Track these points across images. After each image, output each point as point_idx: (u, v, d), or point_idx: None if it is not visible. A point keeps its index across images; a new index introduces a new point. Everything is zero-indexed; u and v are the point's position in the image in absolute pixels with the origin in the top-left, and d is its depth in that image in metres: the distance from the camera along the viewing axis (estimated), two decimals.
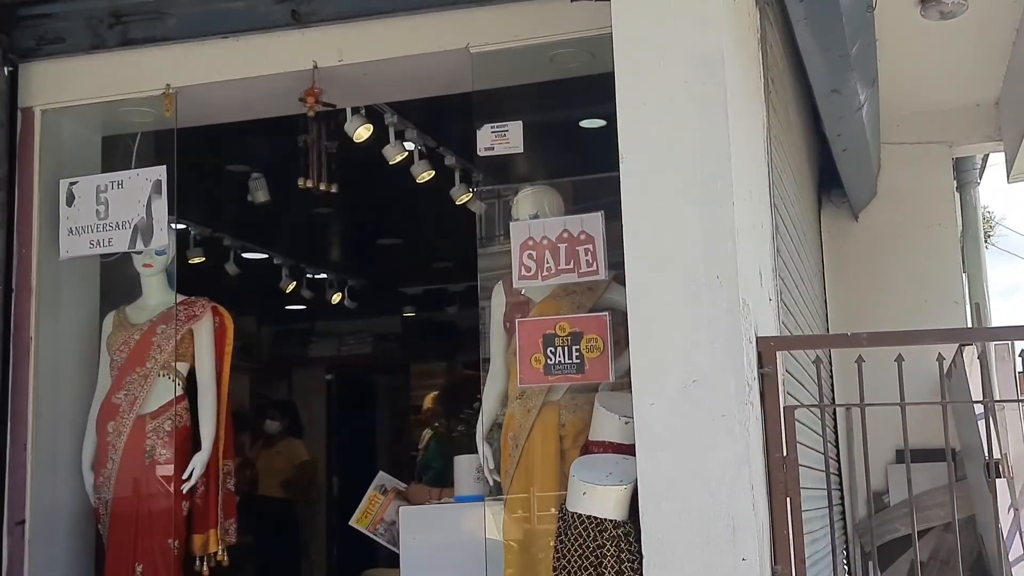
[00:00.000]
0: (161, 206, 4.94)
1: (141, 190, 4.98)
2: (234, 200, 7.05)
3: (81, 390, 5.18)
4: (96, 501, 5.03)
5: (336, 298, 9.13)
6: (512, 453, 4.63)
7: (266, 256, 8.31)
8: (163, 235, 4.92)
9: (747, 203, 3.92)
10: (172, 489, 4.93)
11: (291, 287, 8.55)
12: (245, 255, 8.09)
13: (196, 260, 7.66)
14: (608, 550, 3.54)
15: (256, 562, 8.71)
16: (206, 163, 6.62)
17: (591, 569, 3.56)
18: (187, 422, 5.07)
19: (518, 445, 4.60)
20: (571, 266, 4.52)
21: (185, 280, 8.38)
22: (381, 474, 5.92)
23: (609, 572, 3.53)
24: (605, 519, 3.59)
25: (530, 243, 4.58)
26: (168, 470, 4.94)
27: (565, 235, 4.55)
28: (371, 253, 8.52)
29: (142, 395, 5.01)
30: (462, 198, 6.56)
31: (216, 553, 5.09)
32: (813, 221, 7.04)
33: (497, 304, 4.94)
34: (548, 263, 4.54)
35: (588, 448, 4.07)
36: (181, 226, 7.55)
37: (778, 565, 3.70)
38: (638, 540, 3.56)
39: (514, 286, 4.63)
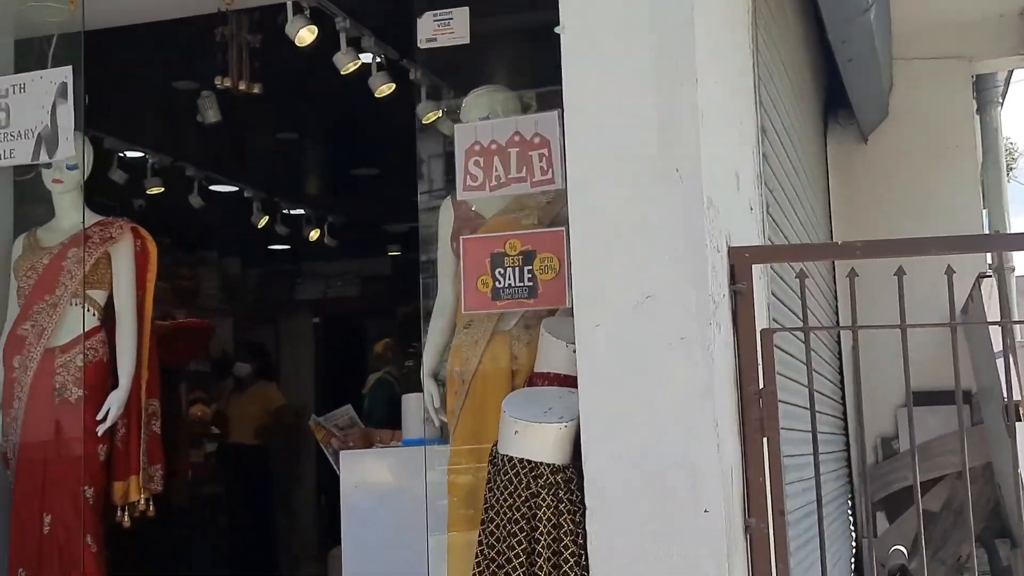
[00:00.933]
0: (66, 112, 4.29)
1: (45, 94, 4.33)
2: (191, 125, 6.41)
3: None
4: (3, 444, 4.43)
5: (314, 235, 8.48)
6: (458, 390, 3.98)
7: (235, 189, 7.67)
8: (68, 146, 4.27)
9: (719, 90, 3.23)
10: (85, 431, 4.32)
11: (263, 222, 7.90)
12: (212, 187, 7.46)
13: (155, 190, 7.03)
14: (544, 499, 2.90)
15: (228, 513, 8.16)
16: (153, 79, 5.98)
17: (522, 522, 2.92)
18: (104, 357, 4.44)
19: (464, 381, 3.96)
20: (523, 174, 3.85)
21: (146, 214, 7.87)
22: (349, 407, 5.34)
23: (544, 525, 2.88)
24: (540, 463, 2.94)
25: (476, 148, 3.90)
26: (80, 410, 4.32)
27: (516, 139, 3.87)
28: (347, 185, 7.85)
29: (50, 326, 4.38)
30: (429, 116, 5.87)
31: (138, 502, 4.49)
32: (816, 142, 6.33)
33: (444, 221, 4.29)
34: (497, 171, 3.87)
35: (532, 382, 3.42)
36: (137, 153, 6.93)
37: (752, 518, 3.06)
38: (580, 488, 2.92)
39: (458, 197, 3.97)
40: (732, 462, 2.98)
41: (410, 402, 4.35)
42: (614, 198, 2.97)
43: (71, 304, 4.41)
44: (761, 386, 3.10)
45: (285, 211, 8.17)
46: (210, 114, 6.03)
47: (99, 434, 4.34)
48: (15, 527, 4.34)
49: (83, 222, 4.41)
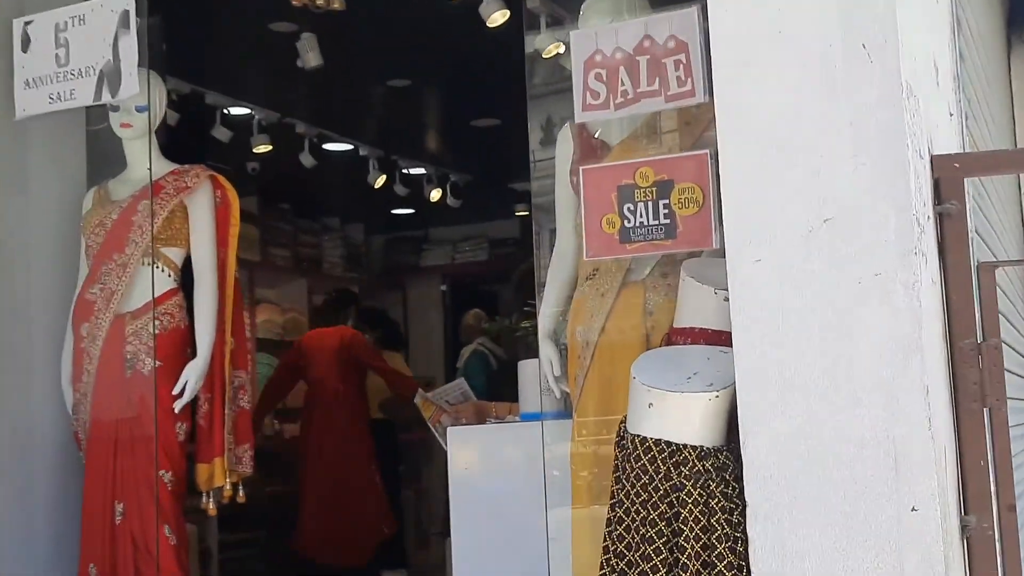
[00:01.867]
0: (129, 45, 3.66)
1: (106, 26, 3.72)
2: (294, 73, 5.81)
3: (59, 286, 4.02)
4: (74, 424, 3.88)
5: (435, 195, 7.82)
6: (582, 354, 3.24)
7: (348, 146, 7.05)
8: (132, 82, 3.65)
9: None
10: (160, 408, 3.73)
11: (380, 181, 7.26)
12: (324, 146, 6.85)
13: (262, 148, 6.44)
14: (689, 493, 2.14)
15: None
16: (248, 22, 5.36)
17: (661, 524, 2.15)
18: (181, 323, 3.84)
19: (589, 343, 3.21)
20: (655, 87, 3.07)
21: (260, 176, 7.34)
22: (462, 381, 4.66)
23: (690, 527, 2.12)
24: (684, 446, 2.18)
25: (598, 58, 3.14)
26: (155, 383, 3.73)
27: (647, 44, 3.09)
28: (468, 139, 7.15)
29: (120, 288, 3.79)
30: (549, 50, 5.12)
31: (224, 487, 3.88)
32: (1000, 60, 5.35)
33: (562, 153, 3.53)
34: (623, 85, 3.09)
35: (671, 340, 2.64)
36: (244, 110, 6.35)
37: (970, 515, 2.24)
38: (738, 479, 2.16)
39: (576, 120, 3.22)
40: (945, 441, 2.17)
41: (526, 370, 3.63)
42: (777, 91, 2.18)
43: (143, 263, 3.81)
44: (980, 339, 2.28)
45: (404, 170, 7.52)
46: (311, 57, 5.39)
47: (176, 411, 3.74)
48: (86, 517, 3.77)
49: (150, 169, 3.79)
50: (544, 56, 5.23)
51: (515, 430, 3.54)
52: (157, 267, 3.83)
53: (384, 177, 7.32)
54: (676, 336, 2.58)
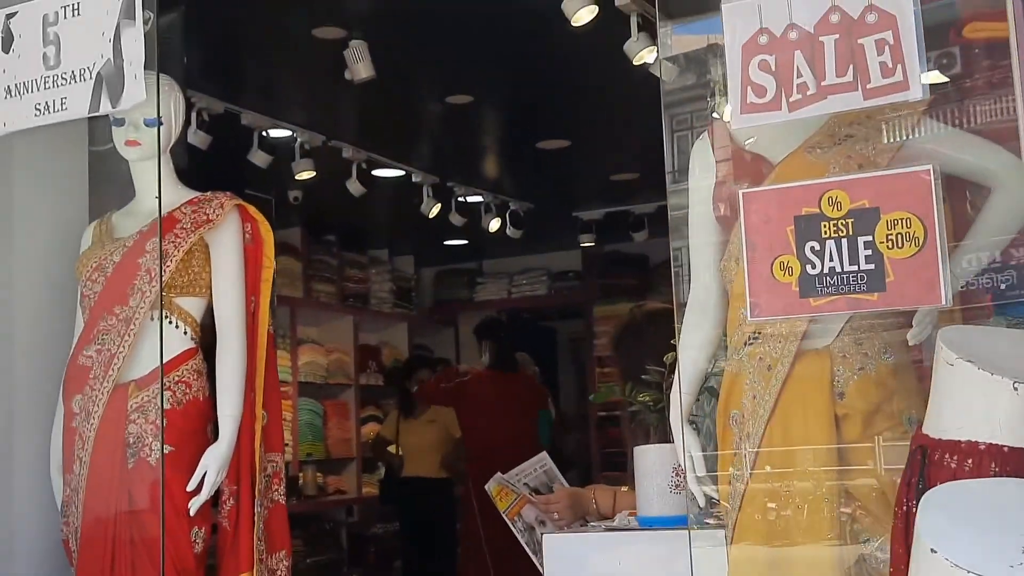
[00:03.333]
0: (134, 41, 2.76)
1: (106, 16, 2.83)
2: (341, 90, 4.93)
3: (51, 348, 3.11)
4: (64, 529, 2.96)
5: (495, 225, 6.90)
6: (739, 446, 2.29)
7: (400, 172, 6.15)
8: (138, 89, 2.74)
9: None
10: (173, 509, 2.81)
11: (435, 210, 6.35)
12: (373, 172, 5.95)
13: (305, 175, 5.54)
14: None
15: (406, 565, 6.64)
16: (288, 27, 4.47)
17: None
18: (200, 394, 2.92)
19: (750, 436, 2.26)
20: (849, 78, 2.12)
21: (298, 207, 6.42)
22: (545, 456, 3.68)
23: None
24: None
25: (762, 40, 2.20)
26: (163, 474, 2.81)
27: (835, 19, 2.15)
28: (532, 162, 6.22)
29: (122, 351, 2.86)
30: (641, 55, 4.19)
31: None
32: None
33: (701, 168, 2.57)
34: (801, 77, 2.15)
35: (931, 456, 1.66)
36: (284, 132, 5.46)
37: None
38: None
39: (733, 127, 2.28)
40: None
41: (646, 458, 2.67)
42: None
43: (151, 318, 2.90)
44: None
45: (460, 198, 6.60)
46: (360, 68, 4.48)
47: (192, 512, 2.82)
48: None
49: (159, 197, 2.87)
50: (634, 63, 4.33)
51: (636, 543, 2.58)
52: (169, 322, 2.91)
53: (439, 206, 6.40)
54: (940, 451, 1.62)
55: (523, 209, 7.08)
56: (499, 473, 3.37)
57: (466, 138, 5.91)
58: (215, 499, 2.89)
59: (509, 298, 8.51)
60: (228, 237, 2.98)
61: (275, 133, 5.42)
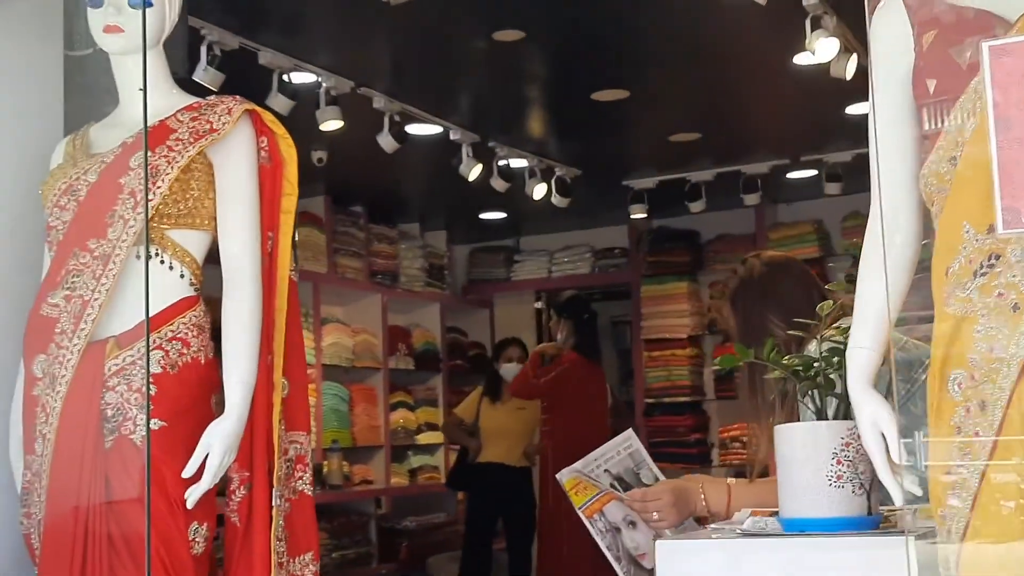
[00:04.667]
0: None
1: None
2: (373, 25, 4.22)
3: (14, 294, 2.41)
4: (24, 522, 2.25)
5: (540, 192, 6.17)
6: (962, 424, 1.56)
7: (438, 129, 5.43)
8: None
9: None
10: (165, 500, 2.10)
11: (475, 171, 5.63)
12: (407, 128, 5.23)
13: (331, 125, 4.82)
14: None
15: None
16: None
17: None
18: (201, 354, 2.22)
19: (987, 402, 1.52)
20: None
21: (323, 171, 5.71)
22: (631, 435, 2.86)
23: None
24: None
25: None
26: (154, 460, 2.10)
27: None
28: (584, 116, 5.47)
29: (98, 297, 2.17)
30: None
31: None
32: None
33: (890, 45, 1.75)
34: None
35: None
36: (308, 77, 4.74)
37: None
38: None
39: None
40: None
41: (796, 441, 1.93)
42: None
43: (136, 256, 2.19)
44: None
45: (502, 160, 5.87)
46: None
47: (189, 505, 2.11)
48: None
49: (144, 88, 2.15)
50: None
51: (784, 551, 1.85)
52: (161, 261, 2.21)
53: (480, 167, 5.67)
54: None
55: (570, 176, 6.33)
56: (576, 467, 2.63)
57: (513, 85, 5.17)
58: (222, 488, 2.18)
59: (549, 277, 7.78)
60: (238, 153, 2.27)
61: (297, 77, 4.70)
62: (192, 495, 2.10)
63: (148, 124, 2.17)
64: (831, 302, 1.98)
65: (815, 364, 1.94)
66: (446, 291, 7.63)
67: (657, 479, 2.63)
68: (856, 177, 6.21)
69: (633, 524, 2.49)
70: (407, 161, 5.56)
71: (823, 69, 4.43)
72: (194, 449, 2.12)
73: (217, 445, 2.11)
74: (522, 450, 6.13)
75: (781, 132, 5.91)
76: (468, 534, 6.06)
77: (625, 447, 2.74)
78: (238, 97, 2.32)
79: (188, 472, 2.10)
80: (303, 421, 2.35)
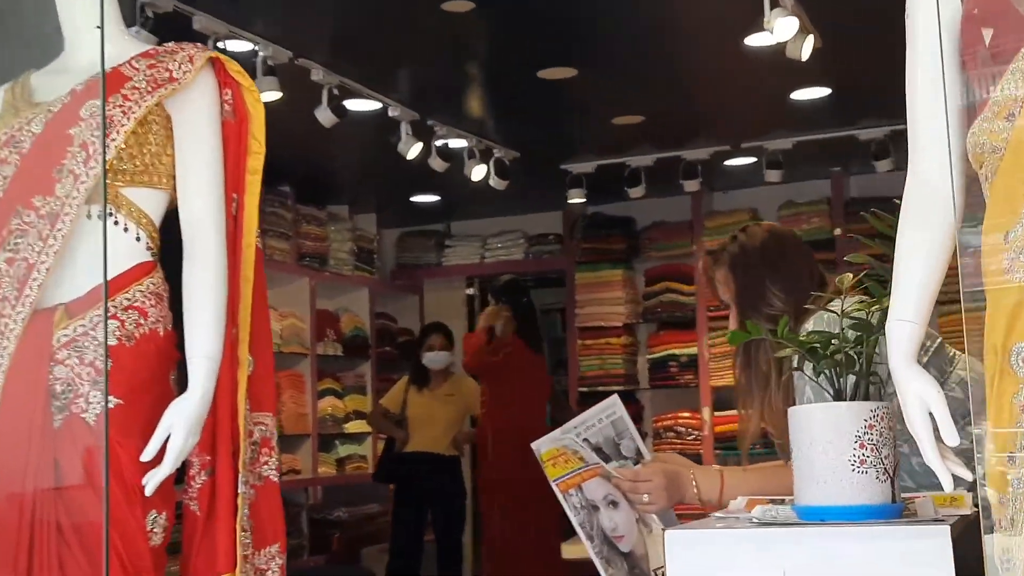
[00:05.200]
0: None
1: None
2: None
3: None
4: None
5: (479, 173, 5.99)
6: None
7: (377, 105, 5.22)
8: None
9: None
10: (121, 486, 1.89)
11: (415, 151, 5.44)
12: (345, 102, 5.00)
13: (270, 96, 4.57)
14: None
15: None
16: None
17: None
18: (159, 325, 2.01)
19: None
20: None
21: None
22: (615, 401, 2.60)
23: None
24: None
25: None
26: (109, 441, 1.88)
27: None
28: (529, 96, 5.30)
29: (45, 260, 1.95)
30: None
31: None
32: None
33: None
34: None
35: None
36: (244, 45, 4.49)
37: None
38: None
39: None
40: None
41: (815, 422, 1.79)
42: None
43: (87, 215, 1.97)
44: None
45: (440, 140, 5.68)
46: None
47: (148, 492, 1.90)
48: None
49: (101, 26, 1.93)
50: None
51: (806, 541, 1.71)
52: (115, 222, 1.99)
53: (420, 145, 5.48)
54: None
55: (509, 158, 6.17)
56: (555, 431, 2.45)
57: (458, 61, 4.98)
58: (180, 473, 1.98)
59: (481, 263, 7.61)
60: (200, 105, 2.07)
61: (233, 45, 4.45)
62: (151, 481, 1.89)
63: (105, 71, 1.95)
64: (851, 275, 1.85)
65: (833, 341, 1.80)
66: (375, 276, 7.42)
67: (639, 451, 2.48)
68: (795, 165, 6.17)
69: (614, 504, 2.34)
70: (340, 139, 5.36)
71: (774, 52, 4.33)
72: (152, 430, 1.91)
73: (179, 426, 1.91)
74: (451, 439, 5.96)
75: (725, 117, 5.82)
76: (396, 526, 5.88)
77: (608, 415, 2.55)
78: (199, 44, 2.11)
79: (147, 455, 1.89)
80: (269, 401, 2.15)
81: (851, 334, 1.83)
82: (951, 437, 1.52)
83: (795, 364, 1.97)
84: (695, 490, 2.29)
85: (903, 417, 1.56)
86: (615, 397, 2.53)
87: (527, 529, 5.34)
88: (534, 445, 2.47)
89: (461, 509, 5.95)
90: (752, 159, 6.40)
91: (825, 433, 1.77)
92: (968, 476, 1.53)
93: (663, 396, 7.04)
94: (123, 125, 1.96)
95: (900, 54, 1.73)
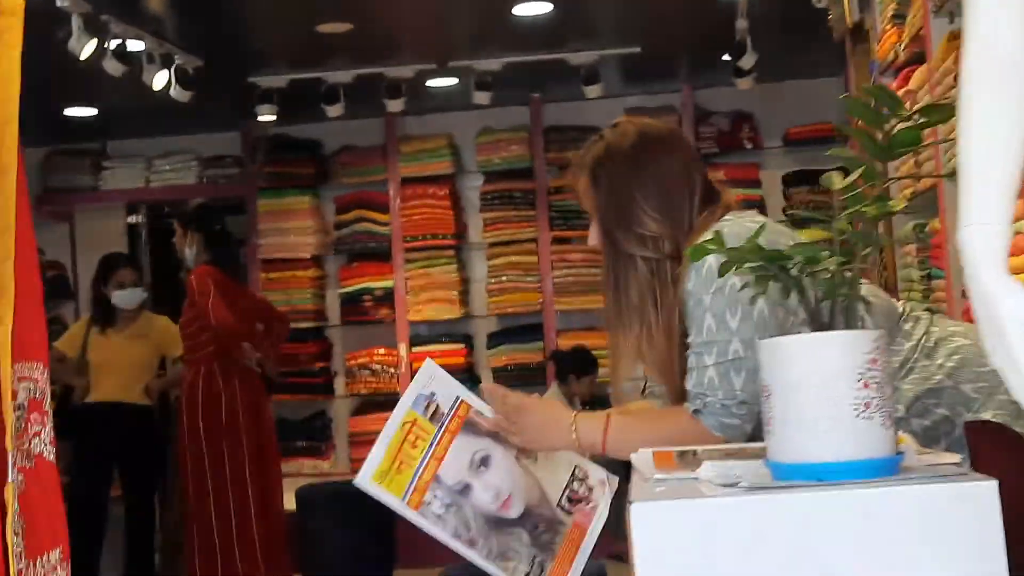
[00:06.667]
0: None
1: None
2: None
3: None
4: None
5: (160, 80, 5.16)
6: None
7: None
8: None
9: None
10: None
11: (88, 50, 4.54)
12: None
13: None
14: None
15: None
16: None
17: None
18: None
19: None
20: None
21: None
22: (429, 364, 1.98)
23: None
24: None
25: None
26: None
27: None
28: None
29: None
30: None
31: None
32: None
33: None
34: None
35: None
36: None
37: None
38: None
39: None
40: None
41: (801, 358, 1.45)
42: None
43: None
44: None
45: (116, 39, 4.84)
46: None
47: None
48: None
49: None
50: None
51: (800, 506, 1.39)
52: None
53: (94, 42, 4.64)
54: None
55: (191, 66, 5.42)
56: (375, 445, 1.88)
57: None
58: None
59: (146, 187, 6.76)
60: None
61: None
62: None
63: None
64: (839, 174, 1.51)
65: (825, 255, 1.48)
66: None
67: (480, 414, 2.02)
68: (502, 88, 5.89)
69: (486, 461, 1.92)
70: None
71: None
72: None
73: None
74: (143, 386, 5.22)
75: (436, 32, 5.44)
76: (75, 487, 5.06)
77: (428, 381, 2.05)
78: None
79: None
80: (39, 349, 1.53)
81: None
82: None
83: (744, 285, 1.63)
84: (574, 435, 1.92)
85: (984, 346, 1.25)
86: (428, 361, 2.01)
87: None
88: (357, 483, 1.89)
89: (154, 466, 5.24)
90: (454, 80, 6.06)
91: (820, 371, 1.42)
92: None
93: (356, 332, 6.62)
94: None
95: None
